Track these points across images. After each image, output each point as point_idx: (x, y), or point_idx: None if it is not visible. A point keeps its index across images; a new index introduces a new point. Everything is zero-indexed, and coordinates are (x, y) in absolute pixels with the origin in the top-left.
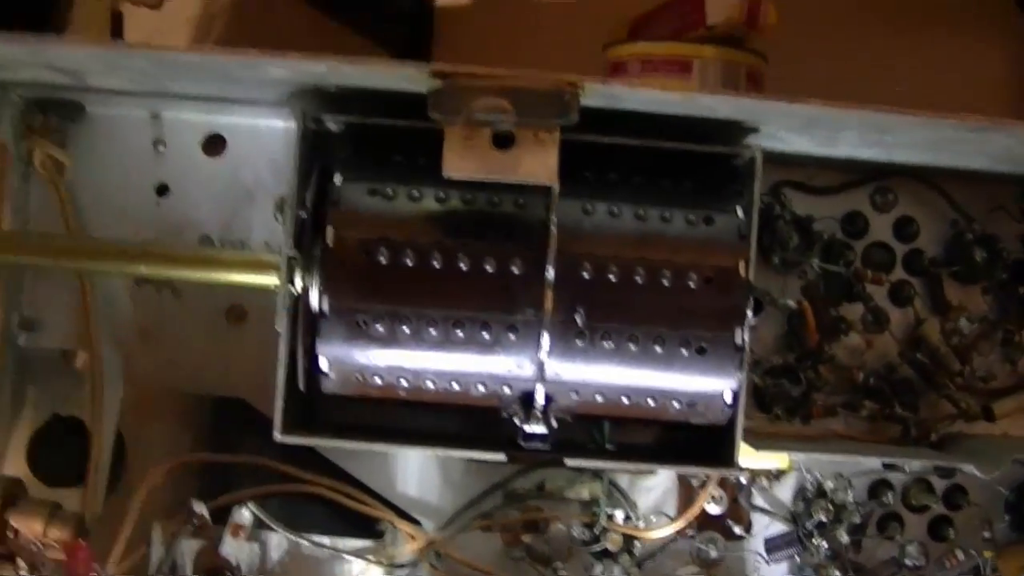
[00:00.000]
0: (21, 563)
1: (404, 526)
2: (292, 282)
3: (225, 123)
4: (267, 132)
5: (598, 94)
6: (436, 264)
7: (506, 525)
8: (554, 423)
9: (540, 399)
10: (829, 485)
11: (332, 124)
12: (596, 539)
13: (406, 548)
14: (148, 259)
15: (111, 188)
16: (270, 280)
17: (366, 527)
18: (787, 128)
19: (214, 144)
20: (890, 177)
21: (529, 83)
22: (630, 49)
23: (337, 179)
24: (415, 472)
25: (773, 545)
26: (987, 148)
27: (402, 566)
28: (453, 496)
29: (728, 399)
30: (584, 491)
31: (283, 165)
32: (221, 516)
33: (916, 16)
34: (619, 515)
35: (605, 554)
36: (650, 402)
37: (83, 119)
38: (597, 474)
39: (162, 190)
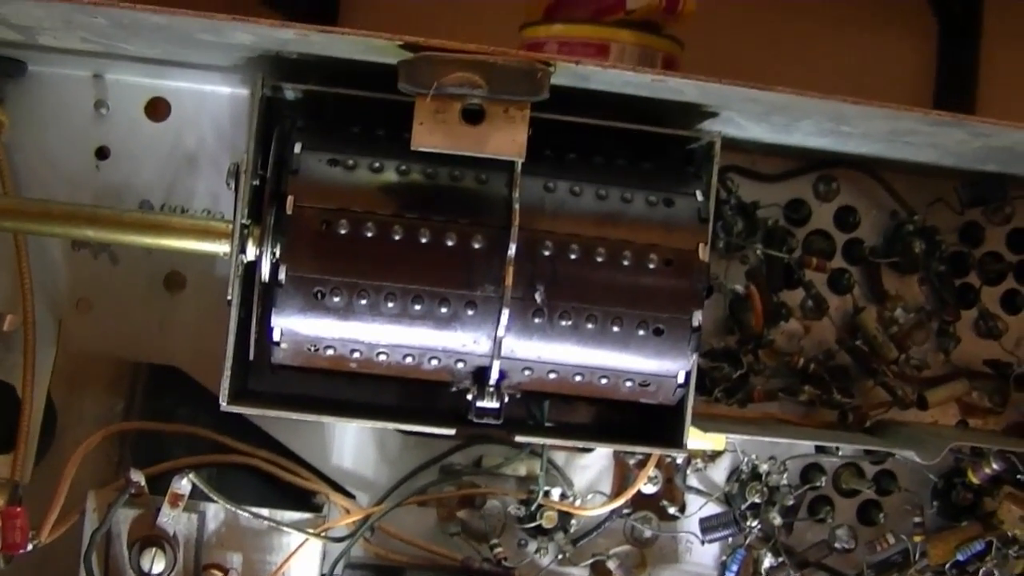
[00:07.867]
0: None
1: (339, 499)
2: (244, 250)
3: (170, 87)
4: (212, 98)
5: (569, 73)
6: (396, 237)
7: (441, 500)
8: (506, 398)
9: (495, 375)
10: (763, 468)
11: (290, 92)
12: (532, 516)
13: (341, 521)
14: (94, 222)
15: (50, 149)
16: (220, 248)
17: (302, 500)
18: (747, 114)
19: (158, 108)
20: (834, 167)
21: (502, 59)
22: (547, 30)
23: (297, 147)
24: (351, 446)
25: (708, 525)
26: (940, 140)
27: (338, 540)
28: (389, 470)
29: (681, 380)
30: (522, 468)
31: (228, 132)
32: (155, 486)
33: (832, 10)
34: (555, 492)
35: (540, 531)
36: (602, 381)
37: (24, 77)
38: (535, 451)
39: (102, 153)
